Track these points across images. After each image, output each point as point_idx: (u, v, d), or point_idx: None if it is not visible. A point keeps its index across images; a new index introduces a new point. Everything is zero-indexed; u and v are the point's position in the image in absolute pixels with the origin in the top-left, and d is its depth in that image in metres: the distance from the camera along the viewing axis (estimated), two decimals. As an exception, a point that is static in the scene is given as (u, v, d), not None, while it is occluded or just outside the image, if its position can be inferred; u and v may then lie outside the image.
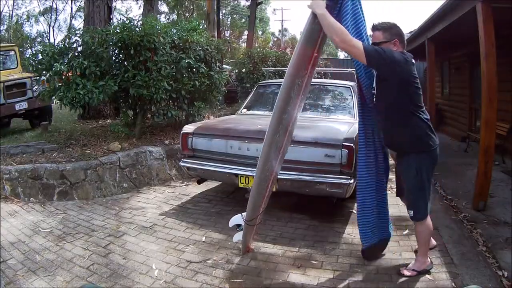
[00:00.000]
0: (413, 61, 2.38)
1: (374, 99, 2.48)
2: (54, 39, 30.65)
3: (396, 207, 3.95)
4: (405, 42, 2.45)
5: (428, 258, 2.59)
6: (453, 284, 2.42)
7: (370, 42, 2.43)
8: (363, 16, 2.44)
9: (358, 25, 2.41)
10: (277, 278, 2.54)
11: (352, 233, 3.28)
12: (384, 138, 2.61)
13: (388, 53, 2.24)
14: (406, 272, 2.54)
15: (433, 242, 2.81)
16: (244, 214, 2.76)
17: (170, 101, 5.99)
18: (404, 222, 3.51)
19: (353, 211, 3.82)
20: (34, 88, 7.15)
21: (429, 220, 2.49)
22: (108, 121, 7.17)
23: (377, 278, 2.52)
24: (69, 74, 4.81)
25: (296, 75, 2.37)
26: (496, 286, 2.38)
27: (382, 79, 2.36)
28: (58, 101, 5.02)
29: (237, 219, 2.85)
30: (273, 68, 9.17)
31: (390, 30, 2.38)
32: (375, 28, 2.42)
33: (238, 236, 2.86)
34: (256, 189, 2.60)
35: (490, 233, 3.12)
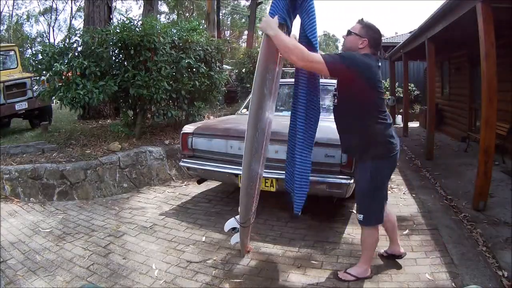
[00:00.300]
0: (379, 64, 2.33)
1: (335, 100, 2.42)
2: (54, 39, 30.71)
3: (396, 207, 3.96)
4: (378, 48, 2.36)
5: (369, 268, 2.52)
6: (453, 284, 2.42)
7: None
8: (315, 16, 2.42)
9: (312, 24, 2.38)
10: (277, 278, 2.54)
11: (352, 233, 3.28)
12: (341, 141, 2.54)
13: (348, 57, 2.18)
14: (342, 276, 2.50)
15: (401, 250, 2.72)
16: (237, 217, 2.75)
17: (170, 101, 5.99)
18: (404, 222, 3.51)
19: (353, 211, 3.82)
20: (34, 88, 7.15)
21: (378, 230, 2.45)
22: (108, 121, 7.17)
23: (377, 278, 2.52)
24: (69, 74, 4.81)
25: (266, 70, 2.34)
26: (496, 286, 2.38)
27: (344, 82, 2.32)
28: (58, 101, 5.02)
29: (232, 223, 2.83)
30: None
31: (367, 29, 2.31)
32: (359, 21, 2.38)
33: (235, 239, 2.86)
34: (245, 190, 2.55)
35: (490, 233, 3.12)
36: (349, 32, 2.33)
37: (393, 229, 2.69)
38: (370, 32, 2.30)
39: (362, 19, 2.40)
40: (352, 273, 2.49)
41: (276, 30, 2.12)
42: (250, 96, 2.50)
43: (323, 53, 2.21)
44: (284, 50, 2.14)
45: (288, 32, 2.45)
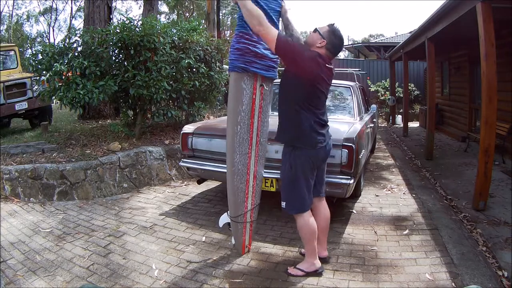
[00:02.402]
0: (329, 66, 2.41)
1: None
2: (54, 39, 30.72)
3: (396, 207, 3.96)
4: (334, 53, 2.44)
5: (318, 261, 2.56)
6: (453, 284, 2.42)
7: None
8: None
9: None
10: (277, 278, 2.54)
11: (352, 233, 3.28)
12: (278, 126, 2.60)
13: (298, 47, 2.31)
14: (291, 271, 2.56)
15: (325, 253, 2.75)
16: (229, 212, 2.79)
17: (170, 101, 5.99)
18: (404, 222, 3.51)
19: (353, 211, 3.82)
20: (34, 88, 7.15)
21: (309, 218, 2.49)
22: (108, 121, 7.17)
23: (377, 278, 2.52)
24: (69, 74, 4.81)
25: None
26: (496, 286, 2.38)
27: (286, 69, 2.43)
28: (58, 101, 5.02)
29: (224, 217, 2.86)
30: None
31: (331, 33, 2.39)
32: (329, 24, 2.47)
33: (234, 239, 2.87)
34: (231, 184, 2.66)
35: (490, 233, 3.12)
36: (315, 30, 2.44)
37: (323, 229, 2.69)
38: (332, 36, 2.38)
39: (333, 24, 2.48)
40: (301, 268, 2.56)
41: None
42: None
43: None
44: (248, 16, 2.24)
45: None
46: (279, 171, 2.99)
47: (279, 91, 2.51)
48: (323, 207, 2.71)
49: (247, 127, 2.61)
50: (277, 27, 2.54)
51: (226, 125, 2.64)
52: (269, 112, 2.81)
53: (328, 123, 2.53)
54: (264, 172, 3.13)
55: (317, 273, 2.53)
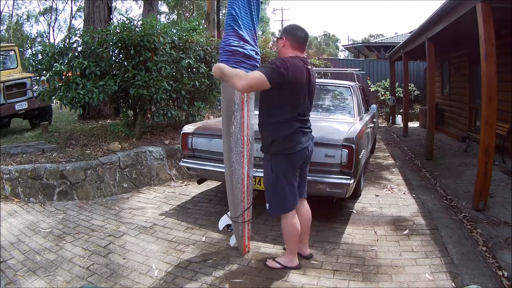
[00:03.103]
0: (308, 67, 2.46)
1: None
2: (54, 39, 30.72)
3: (396, 207, 3.96)
4: (302, 43, 2.47)
5: (297, 259, 2.65)
6: (453, 284, 2.42)
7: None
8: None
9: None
10: (277, 278, 2.54)
11: (352, 233, 3.28)
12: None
13: (272, 65, 2.28)
14: (270, 264, 2.66)
15: (307, 251, 2.82)
16: (229, 213, 2.79)
17: (170, 101, 5.99)
18: (404, 222, 3.52)
19: (353, 211, 3.82)
20: (34, 88, 7.15)
21: (292, 219, 2.53)
22: (108, 121, 7.17)
23: (377, 278, 2.52)
24: (69, 74, 4.81)
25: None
26: (496, 286, 2.38)
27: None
28: (58, 101, 5.02)
29: (225, 220, 2.87)
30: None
31: (284, 30, 2.52)
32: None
33: (233, 240, 2.87)
34: (230, 184, 2.69)
35: (490, 233, 3.12)
36: (275, 38, 2.47)
37: (305, 229, 2.73)
38: (288, 31, 2.47)
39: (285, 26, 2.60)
40: (279, 261, 2.65)
41: (221, 66, 2.34)
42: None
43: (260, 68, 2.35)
44: (230, 83, 2.31)
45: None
46: None
47: (260, 98, 2.52)
48: (305, 208, 2.75)
49: (240, 126, 2.63)
50: (256, 23, 2.61)
51: (222, 126, 2.66)
52: (254, 111, 2.82)
53: (309, 125, 2.56)
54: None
55: (295, 268, 2.62)
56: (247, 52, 2.54)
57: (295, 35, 2.45)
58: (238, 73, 2.32)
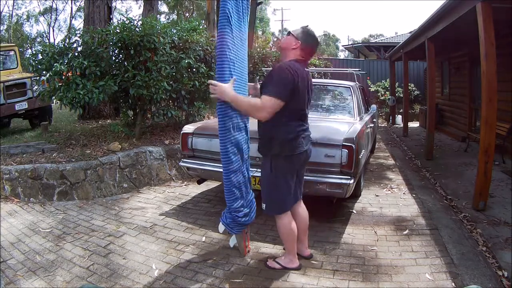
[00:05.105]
0: (307, 72, 2.48)
1: None
2: (54, 39, 30.73)
3: (396, 207, 3.96)
4: (309, 53, 2.47)
5: (297, 259, 2.66)
6: (453, 284, 2.42)
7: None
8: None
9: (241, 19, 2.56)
10: (277, 278, 2.54)
11: (352, 233, 3.28)
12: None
13: (281, 81, 2.28)
14: (270, 264, 2.67)
15: (307, 251, 2.82)
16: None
17: (170, 101, 5.99)
18: (404, 222, 3.52)
19: (353, 211, 3.82)
20: (34, 88, 7.15)
21: (287, 220, 2.53)
22: (108, 121, 7.17)
23: (377, 278, 2.52)
24: (69, 74, 4.81)
25: None
26: (496, 286, 2.38)
27: (264, 86, 2.39)
28: (58, 101, 5.02)
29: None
30: (273, 68, 9.16)
31: (305, 34, 2.42)
32: (302, 27, 2.49)
33: (233, 240, 2.87)
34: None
35: (490, 233, 3.12)
36: (289, 33, 2.47)
37: (303, 230, 2.74)
38: (305, 37, 2.42)
39: (307, 26, 2.51)
40: (279, 262, 2.66)
41: (232, 95, 2.33)
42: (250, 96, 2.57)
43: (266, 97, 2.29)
44: (246, 111, 2.40)
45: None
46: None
47: None
48: (301, 209, 2.76)
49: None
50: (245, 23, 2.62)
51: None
52: None
53: (308, 128, 2.56)
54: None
55: (295, 269, 2.61)
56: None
57: (308, 44, 2.43)
58: (251, 102, 2.35)
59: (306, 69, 2.50)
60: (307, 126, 2.56)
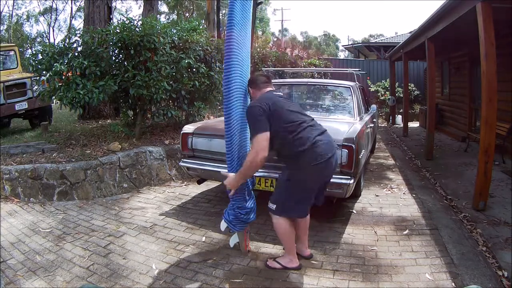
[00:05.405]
0: (279, 97, 2.63)
1: None
2: (54, 39, 30.73)
3: (396, 207, 3.96)
4: (261, 84, 2.69)
5: (297, 259, 2.67)
6: (453, 284, 2.42)
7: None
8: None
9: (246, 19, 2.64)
10: (277, 278, 2.54)
11: (352, 233, 3.28)
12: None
13: (254, 118, 2.44)
14: (270, 263, 2.69)
15: (307, 251, 2.83)
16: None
17: (170, 101, 5.99)
18: (404, 222, 3.52)
19: (353, 211, 3.82)
20: (34, 88, 7.14)
21: (284, 220, 2.54)
22: (108, 121, 7.17)
23: (377, 278, 2.52)
24: (69, 74, 4.81)
25: None
26: (496, 286, 2.38)
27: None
28: (58, 101, 5.02)
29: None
30: (273, 68, 9.18)
31: (248, 82, 2.72)
32: None
33: (234, 240, 2.87)
34: None
35: (490, 233, 3.12)
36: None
37: (303, 229, 2.77)
38: (249, 82, 2.71)
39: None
40: (280, 262, 2.66)
41: (237, 178, 2.51)
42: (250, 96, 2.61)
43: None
44: (255, 169, 2.49)
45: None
46: (279, 171, 2.99)
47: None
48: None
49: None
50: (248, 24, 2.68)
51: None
52: None
53: (324, 133, 2.56)
54: (265, 172, 3.15)
55: (295, 269, 2.62)
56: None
57: (254, 82, 2.68)
58: (247, 162, 2.43)
59: (279, 93, 2.73)
60: (318, 132, 2.53)
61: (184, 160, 3.89)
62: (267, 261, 2.72)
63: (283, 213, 2.54)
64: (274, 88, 2.76)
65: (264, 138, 2.38)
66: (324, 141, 2.49)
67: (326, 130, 2.62)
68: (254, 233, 3.21)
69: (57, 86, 4.76)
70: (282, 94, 2.80)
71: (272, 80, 2.86)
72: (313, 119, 2.65)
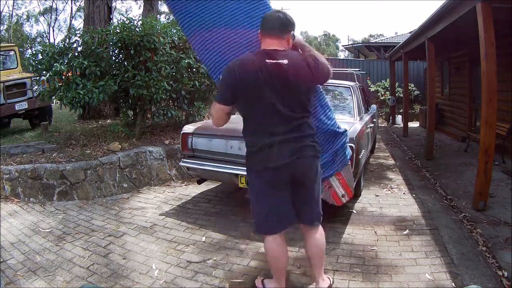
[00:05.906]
0: (270, 61, 1.91)
1: None
2: (54, 39, 30.76)
3: (396, 207, 3.96)
4: (266, 32, 2.01)
5: (280, 285, 2.19)
6: (453, 284, 2.42)
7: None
8: None
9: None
10: (277, 278, 2.53)
11: (352, 233, 3.28)
12: None
13: (221, 83, 2.05)
14: (257, 283, 2.37)
15: (322, 284, 2.27)
16: None
17: (170, 101, 5.99)
18: (404, 222, 3.52)
19: (353, 211, 3.82)
20: (34, 88, 7.15)
21: (270, 244, 2.10)
22: (108, 121, 7.17)
23: (377, 278, 2.52)
24: (69, 74, 4.81)
25: None
26: (496, 286, 2.38)
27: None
28: (58, 101, 5.02)
29: None
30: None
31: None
32: None
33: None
34: None
35: (490, 233, 3.12)
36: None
37: (314, 257, 2.24)
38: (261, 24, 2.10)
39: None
40: (265, 286, 2.32)
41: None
42: None
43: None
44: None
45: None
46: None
47: None
48: (314, 241, 2.21)
49: None
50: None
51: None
52: None
53: (293, 130, 1.97)
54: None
55: None
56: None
57: (263, 24, 2.02)
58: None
59: (271, 60, 1.92)
60: (286, 129, 1.96)
61: (184, 160, 3.89)
62: (256, 278, 2.46)
63: (256, 228, 2.19)
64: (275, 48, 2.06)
65: (220, 110, 2.05)
66: (288, 138, 2.04)
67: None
68: (254, 233, 3.21)
69: (57, 86, 4.76)
70: (280, 59, 2.02)
71: None
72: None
